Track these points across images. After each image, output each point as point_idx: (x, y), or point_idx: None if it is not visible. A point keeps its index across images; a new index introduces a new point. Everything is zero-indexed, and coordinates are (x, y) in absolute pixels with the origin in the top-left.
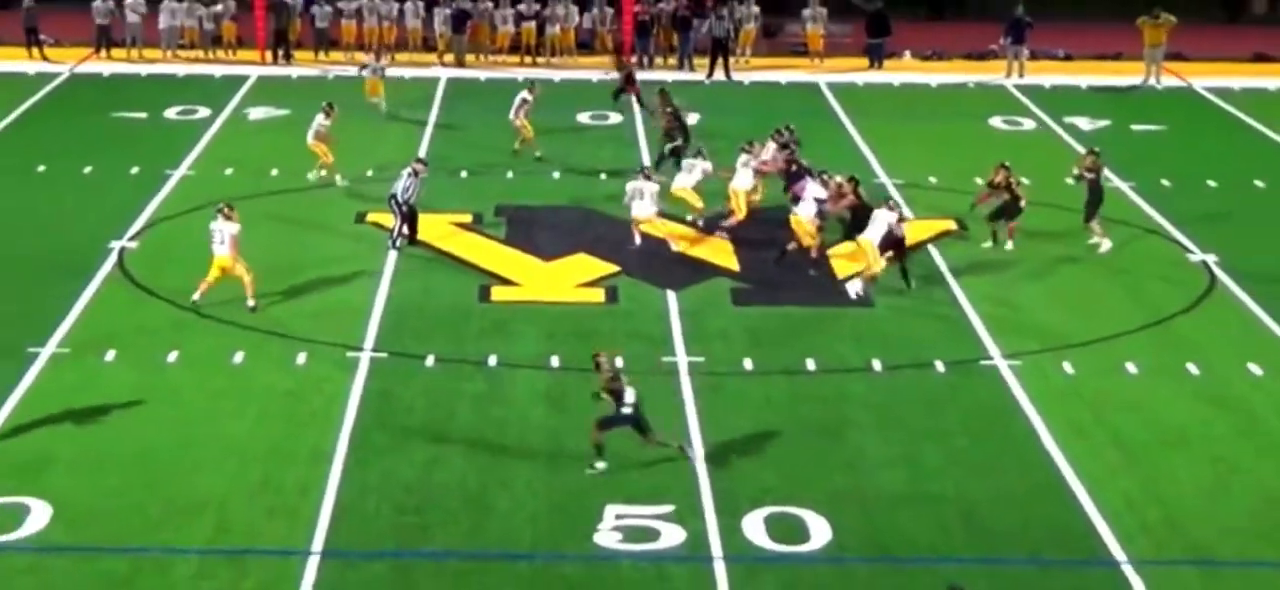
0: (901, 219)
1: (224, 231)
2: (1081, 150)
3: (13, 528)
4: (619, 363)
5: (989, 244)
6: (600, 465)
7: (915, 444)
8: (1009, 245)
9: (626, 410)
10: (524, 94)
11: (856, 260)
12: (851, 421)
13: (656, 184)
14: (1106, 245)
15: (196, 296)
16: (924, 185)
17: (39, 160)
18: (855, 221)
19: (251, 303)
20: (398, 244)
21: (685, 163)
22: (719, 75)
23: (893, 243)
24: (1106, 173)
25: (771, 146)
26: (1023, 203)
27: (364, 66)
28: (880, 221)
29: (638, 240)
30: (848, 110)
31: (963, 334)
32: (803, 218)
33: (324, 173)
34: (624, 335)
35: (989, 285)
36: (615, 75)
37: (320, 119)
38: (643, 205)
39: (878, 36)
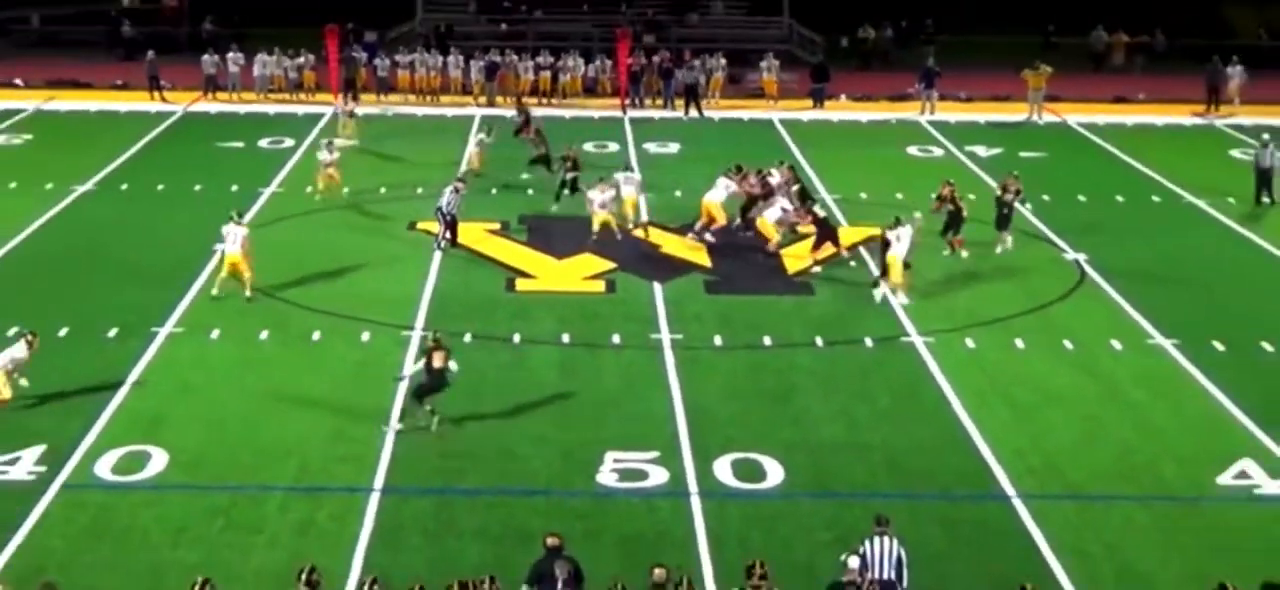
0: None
1: (236, 234)
2: (980, 173)
3: (138, 470)
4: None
5: (948, 253)
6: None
7: (850, 403)
8: (964, 255)
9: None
10: (482, 136)
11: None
12: (799, 386)
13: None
14: (1006, 246)
15: (215, 292)
16: (856, 200)
17: (159, 181)
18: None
19: (248, 294)
20: (442, 246)
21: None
22: (693, 113)
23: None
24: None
25: (777, 175)
26: (964, 213)
27: (346, 111)
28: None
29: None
30: (796, 140)
31: (887, 317)
32: (768, 220)
33: (321, 195)
34: (620, 317)
35: (908, 277)
36: (517, 116)
37: (323, 154)
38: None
39: (820, 82)
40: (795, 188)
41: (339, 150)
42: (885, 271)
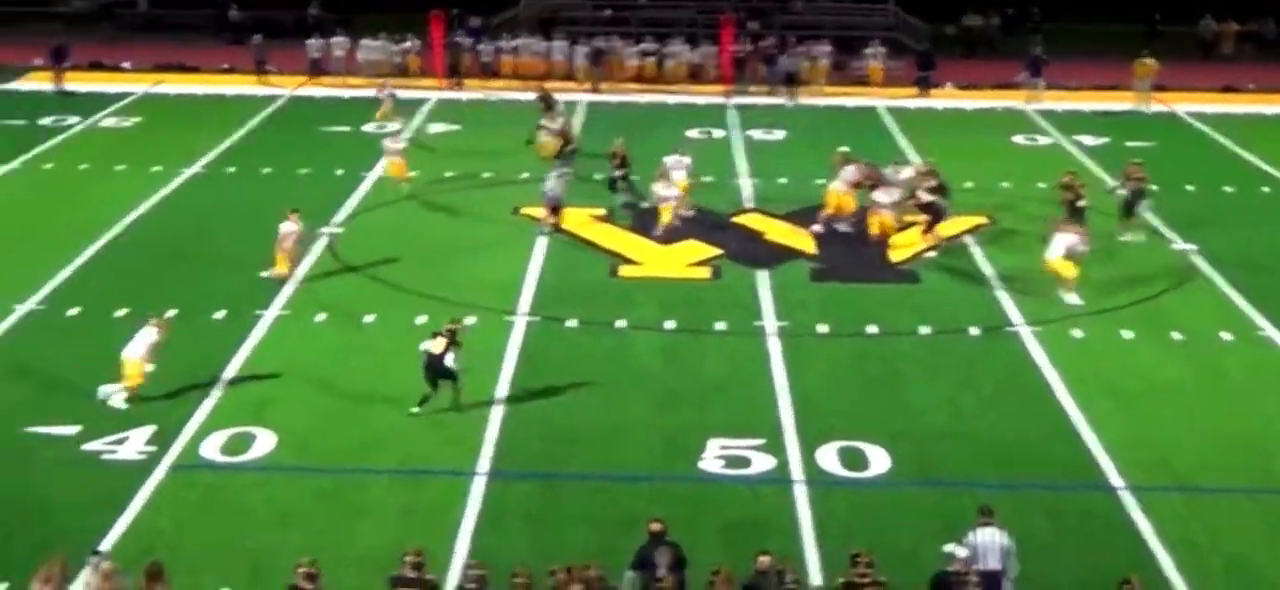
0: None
1: (289, 229)
2: (1088, 162)
3: (245, 452)
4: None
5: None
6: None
7: (955, 392)
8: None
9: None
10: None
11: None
12: (904, 374)
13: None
14: (1133, 236)
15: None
16: (961, 188)
17: (265, 164)
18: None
19: (282, 272)
20: (546, 231)
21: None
22: (785, 100)
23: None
24: (1108, 180)
25: (909, 170)
26: (1082, 204)
27: (386, 93)
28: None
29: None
30: (901, 128)
31: (993, 306)
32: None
33: (392, 185)
34: (725, 304)
35: (1014, 267)
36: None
37: (388, 142)
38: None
39: (925, 69)
40: (933, 184)
41: (403, 140)
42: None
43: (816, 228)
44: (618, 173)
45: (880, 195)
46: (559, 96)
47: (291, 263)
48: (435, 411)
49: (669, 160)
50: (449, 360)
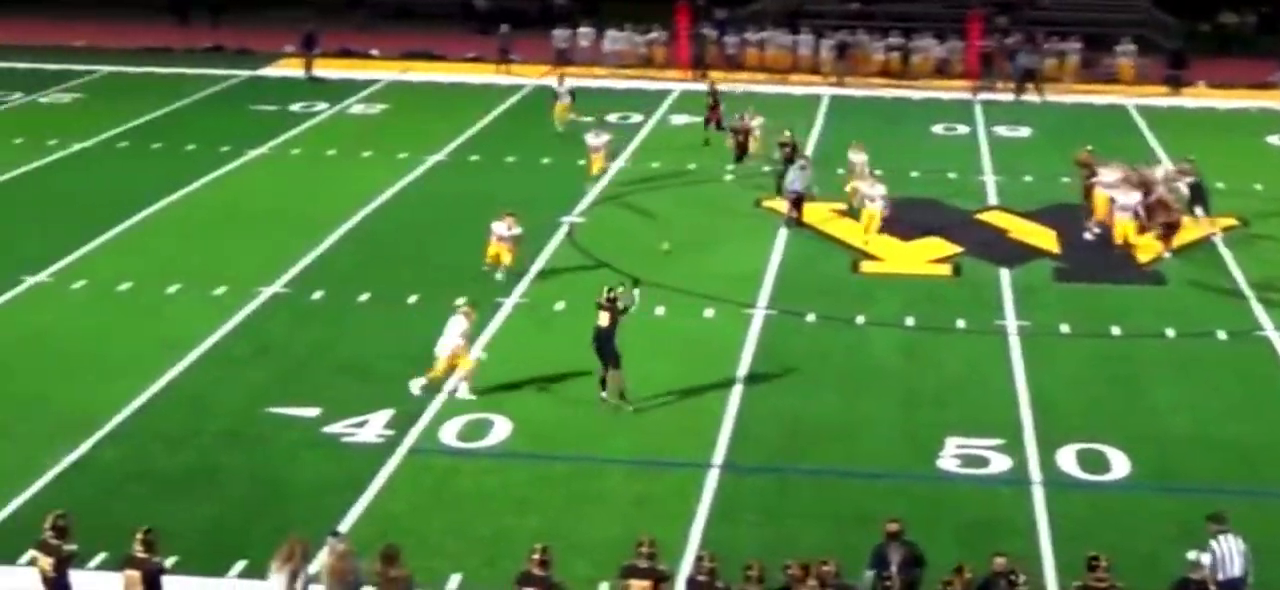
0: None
1: (504, 229)
2: None
3: (481, 438)
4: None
5: None
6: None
7: (1200, 396)
8: None
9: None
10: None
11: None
12: (1148, 377)
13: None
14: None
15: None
16: (1213, 189)
17: (508, 153)
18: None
19: (499, 276)
20: (789, 225)
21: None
22: (1032, 97)
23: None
24: None
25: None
26: None
27: (563, 89)
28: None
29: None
30: (1151, 127)
31: (1242, 309)
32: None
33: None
34: (965, 302)
35: (1266, 271)
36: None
37: (590, 137)
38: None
39: (1177, 68)
40: (1188, 182)
41: (606, 136)
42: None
43: (1088, 236)
44: (795, 161)
45: (1121, 196)
46: (800, 90)
47: (507, 261)
48: (671, 402)
49: (855, 158)
50: (615, 340)
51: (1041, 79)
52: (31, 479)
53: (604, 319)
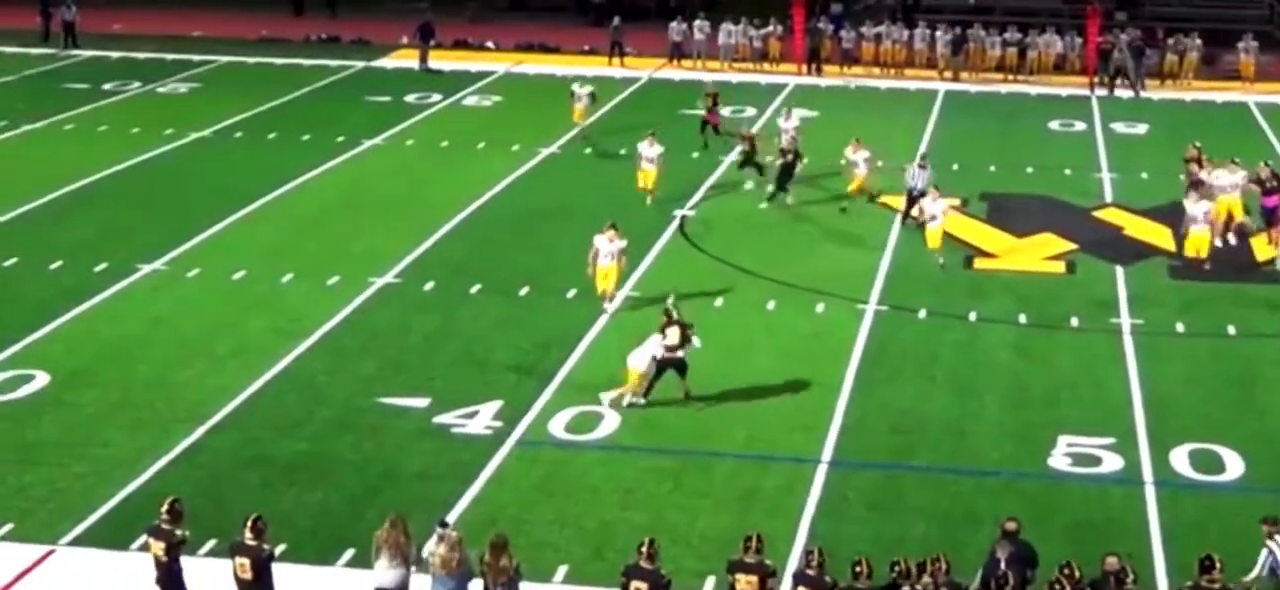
0: None
1: (610, 248)
2: None
3: (590, 430)
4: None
5: None
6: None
7: None
8: None
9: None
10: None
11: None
12: (1264, 377)
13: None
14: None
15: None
16: None
17: (621, 145)
18: None
19: (607, 305)
20: (906, 222)
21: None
22: (1126, 92)
23: None
24: None
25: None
26: None
27: (581, 89)
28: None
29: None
30: (1271, 125)
31: None
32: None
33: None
34: (1079, 299)
35: None
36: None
37: (644, 147)
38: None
39: None
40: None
41: (658, 149)
42: None
43: (1219, 243)
44: (788, 158)
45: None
46: (915, 85)
47: (613, 283)
48: (780, 397)
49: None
50: (682, 352)
51: (1136, 74)
52: (145, 466)
53: (674, 337)
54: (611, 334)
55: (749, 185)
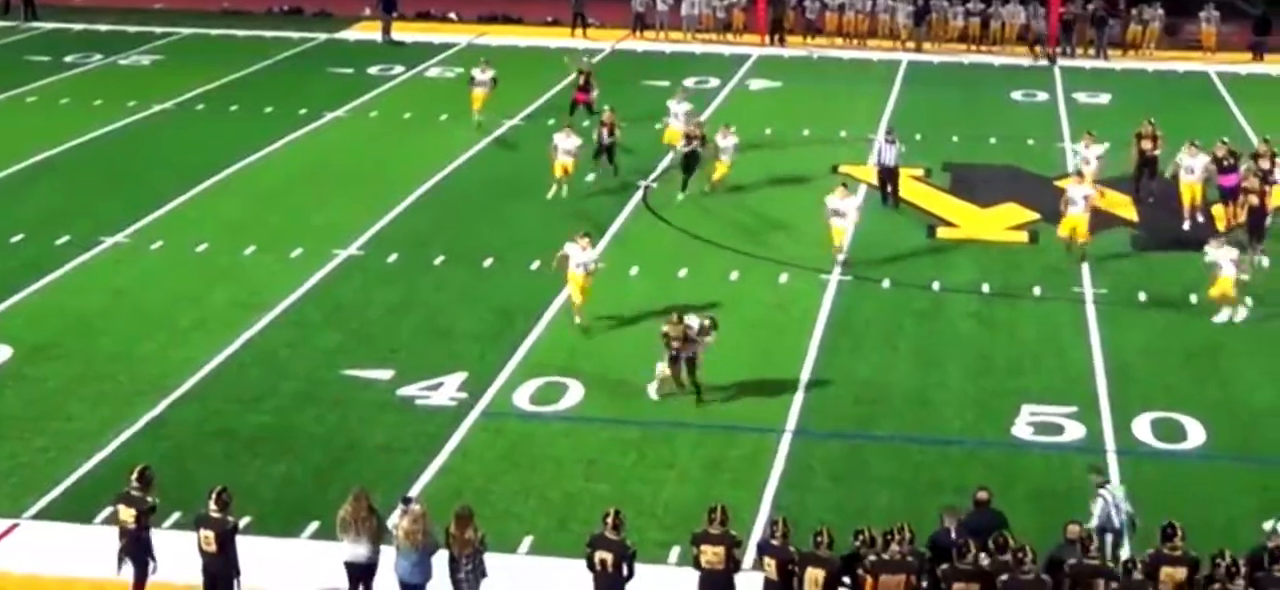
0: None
1: (585, 256)
2: None
3: (554, 401)
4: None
5: None
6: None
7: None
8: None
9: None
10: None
11: None
12: (1226, 347)
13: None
14: None
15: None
16: None
17: (585, 117)
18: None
19: (578, 320)
20: (885, 201)
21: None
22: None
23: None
24: None
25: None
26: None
27: (482, 74)
28: None
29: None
30: (1233, 95)
31: None
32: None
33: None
34: (1042, 269)
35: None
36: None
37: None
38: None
39: (1261, 34)
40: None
41: (575, 140)
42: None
43: (1186, 225)
44: (608, 140)
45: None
46: (878, 56)
47: (583, 295)
48: (744, 367)
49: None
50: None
51: (1099, 43)
52: (108, 439)
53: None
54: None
55: (591, 176)
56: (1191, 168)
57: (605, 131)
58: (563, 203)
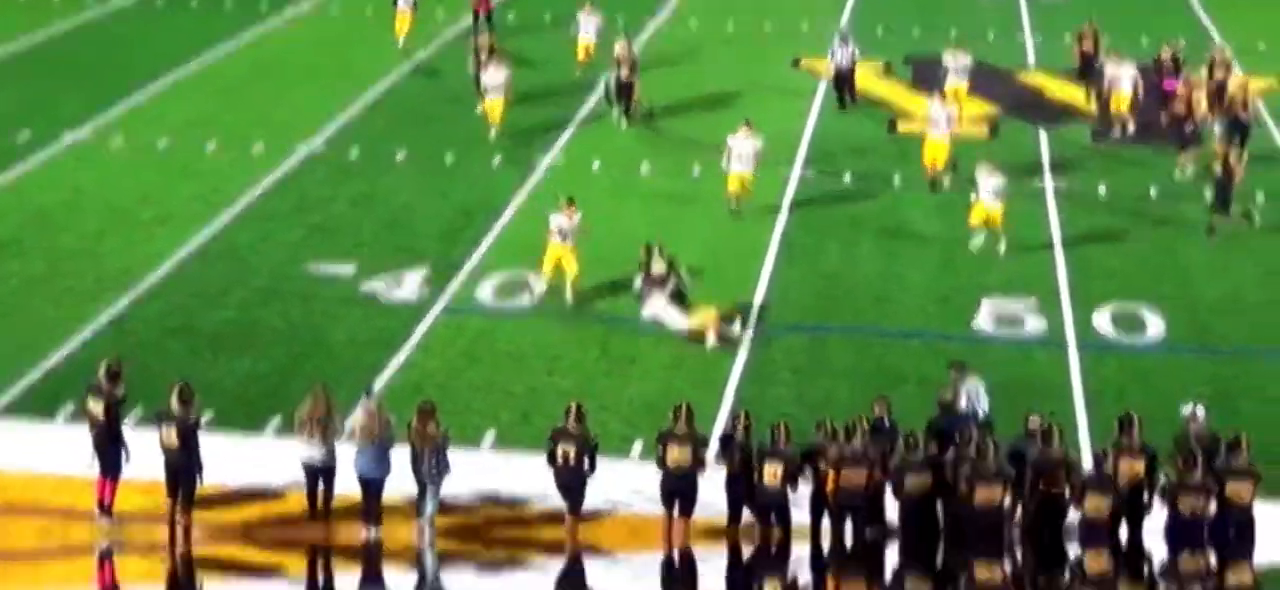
0: None
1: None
2: None
3: (517, 297)
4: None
5: None
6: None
7: (1235, 260)
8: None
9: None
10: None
11: None
12: (1185, 239)
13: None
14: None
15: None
16: (1254, 51)
17: (546, 11)
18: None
19: (570, 297)
20: (842, 105)
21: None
22: None
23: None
24: None
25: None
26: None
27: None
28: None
29: None
30: None
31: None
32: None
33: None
34: (1003, 163)
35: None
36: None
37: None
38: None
39: None
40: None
41: (504, 72)
42: None
43: (1118, 133)
44: (626, 78)
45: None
46: None
47: (573, 266)
48: (705, 263)
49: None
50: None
51: None
52: (70, 335)
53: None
54: (538, 199)
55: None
56: (1117, 77)
57: (624, 70)
58: (521, 98)
